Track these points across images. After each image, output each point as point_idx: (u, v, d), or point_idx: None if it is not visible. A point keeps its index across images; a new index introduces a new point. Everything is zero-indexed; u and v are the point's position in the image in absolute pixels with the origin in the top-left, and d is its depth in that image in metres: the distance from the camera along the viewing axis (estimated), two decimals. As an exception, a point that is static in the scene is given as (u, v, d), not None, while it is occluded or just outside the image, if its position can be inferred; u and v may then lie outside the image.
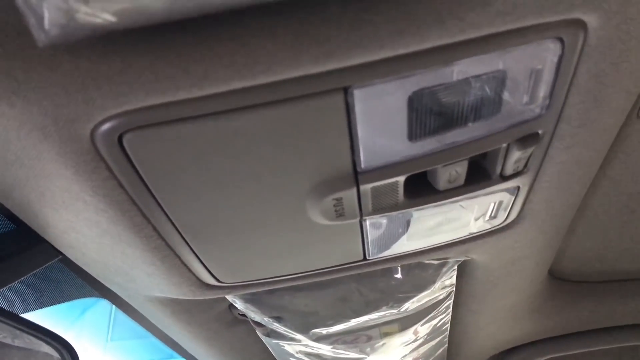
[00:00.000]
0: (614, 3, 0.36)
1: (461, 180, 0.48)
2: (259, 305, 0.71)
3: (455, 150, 0.44)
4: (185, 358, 1.11)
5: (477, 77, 0.38)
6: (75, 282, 0.72)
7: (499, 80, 0.39)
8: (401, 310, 0.74)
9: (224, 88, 0.34)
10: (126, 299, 0.74)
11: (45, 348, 0.69)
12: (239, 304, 0.71)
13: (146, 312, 0.78)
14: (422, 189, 0.49)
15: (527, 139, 0.45)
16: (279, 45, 0.33)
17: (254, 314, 0.74)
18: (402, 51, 0.34)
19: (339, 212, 0.48)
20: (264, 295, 0.70)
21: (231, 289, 0.62)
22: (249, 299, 0.70)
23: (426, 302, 0.78)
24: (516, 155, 0.46)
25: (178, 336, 0.87)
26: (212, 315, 0.79)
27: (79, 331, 2.39)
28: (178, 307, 0.73)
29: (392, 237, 0.56)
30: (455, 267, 0.71)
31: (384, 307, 0.73)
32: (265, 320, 0.76)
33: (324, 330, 0.78)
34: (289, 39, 0.33)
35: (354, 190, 0.45)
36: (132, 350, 2.40)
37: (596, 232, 0.86)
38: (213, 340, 0.86)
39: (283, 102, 0.37)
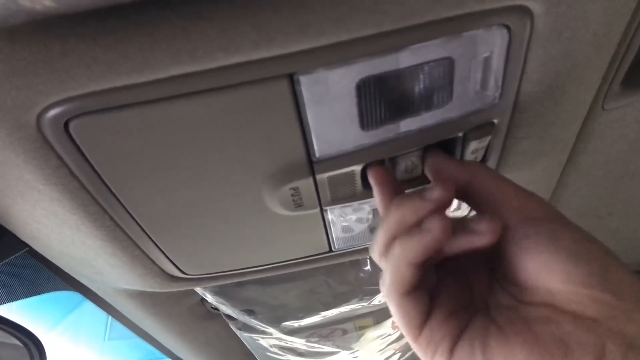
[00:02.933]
0: None
1: (419, 171, 0.48)
2: (229, 298, 0.71)
3: (409, 139, 0.44)
4: (164, 353, 1.11)
5: (425, 64, 0.38)
6: (45, 274, 0.72)
7: (448, 67, 0.39)
8: (372, 303, 0.75)
9: (165, 74, 0.34)
10: (97, 292, 0.74)
11: (14, 341, 0.68)
12: (209, 297, 0.71)
13: (118, 305, 0.77)
14: None
15: (483, 128, 0.45)
16: (218, 30, 0.33)
17: (225, 307, 0.74)
18: (344, 38, 0.34)
19: (297, 203, 0.48)
20: (234, 288, 0.70)
21: (197, 281, 0.62)
22: (219, 292, 0.70)
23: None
24: (473, 145, 0.46)
25: (153, 330, 0.87)
26: (184, 308, 0.79)
27: (76, 330, 2.39)
28: (148, 300, 0.73)
29: (356, 228, 0.56)
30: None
31: (354, 300, 0.73)
32: (236, 313, 0.76)
33: (295, 323, 0.78)
34: (228, 25, 0.33)
35: (310, 179, 0.45)
36: (129, 349, 2.40)
37: None
38: (187, 334, 0.86)
39: (227, 89, 0.36)
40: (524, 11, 0.37)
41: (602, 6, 0.39)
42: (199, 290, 0.72)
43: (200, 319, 0.83)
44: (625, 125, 0.64)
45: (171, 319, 0.80)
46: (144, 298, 0.70)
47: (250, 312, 0.75)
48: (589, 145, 0.66)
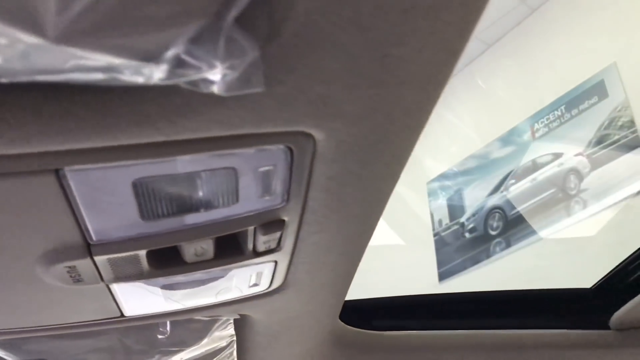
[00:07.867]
0: (337, 122, 0.38)
1: (210, 254, 0.48)
2: (14, 350, 0.65)
3: (197, 230, 0.44)
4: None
5: (205, 171, 0.38)
6: None
7: (231, 175, 0.40)
8: (171, 362, 0.73)
9: None
10: None
11: None
12: (-11, 348, 0.65)
13: None
14: (170, 258, 0.48)
15: (272, 225, 0.47)
16: None
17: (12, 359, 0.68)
18: (111, 143, 0.33)
19: (76, 278, 0.46)
20: (16, 340, 0.64)
21: None
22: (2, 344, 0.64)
23: (205, 351, 0.77)
24: (263, 238, 0.48)
25: None
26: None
27: None
28: None
29: (147, 298, 0.55)
30: (231, 320, 0.72)
31: (150, 360, 0.71)
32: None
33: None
34: None
35: (88, 260, 0.43)
36: None
37: None
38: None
39: None
40: (307, 136, 0.39)
41: (384, 132, 0.42)
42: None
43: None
44: None
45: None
46: None
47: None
48: None
